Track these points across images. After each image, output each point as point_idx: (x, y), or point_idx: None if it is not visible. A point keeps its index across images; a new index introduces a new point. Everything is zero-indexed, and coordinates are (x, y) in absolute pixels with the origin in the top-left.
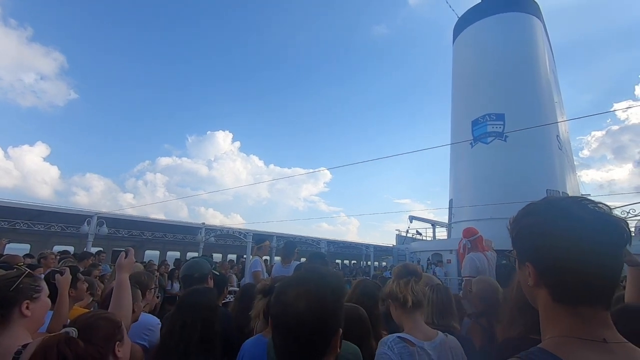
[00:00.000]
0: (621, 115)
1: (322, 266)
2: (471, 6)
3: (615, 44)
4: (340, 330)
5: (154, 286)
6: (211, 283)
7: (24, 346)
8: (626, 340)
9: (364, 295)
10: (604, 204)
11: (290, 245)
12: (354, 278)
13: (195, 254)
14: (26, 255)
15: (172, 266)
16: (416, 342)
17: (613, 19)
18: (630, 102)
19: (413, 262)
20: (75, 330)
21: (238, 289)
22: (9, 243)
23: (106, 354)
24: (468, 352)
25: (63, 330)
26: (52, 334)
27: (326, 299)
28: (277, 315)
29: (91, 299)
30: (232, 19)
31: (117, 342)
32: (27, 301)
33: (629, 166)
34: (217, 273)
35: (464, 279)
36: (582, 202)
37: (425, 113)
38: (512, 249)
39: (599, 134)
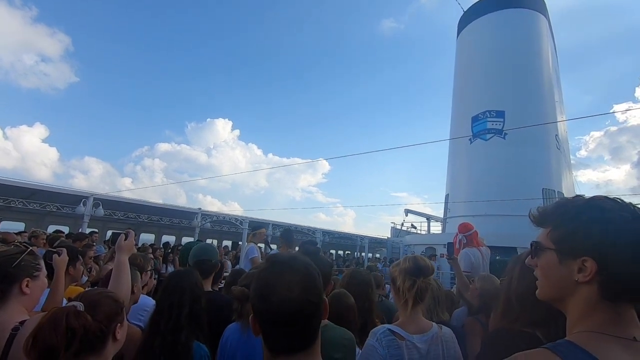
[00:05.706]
0: (620, 116)
1: (284, 253)
2: (476, 1)
3: (617, 47)
4: (325, 298)
5: (150, 268)
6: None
7: (22, 323)
8: None
9: (352, 284)
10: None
11: (289, 233)
12: (348, 267)
13: (191, 239)
14: (18, 233)
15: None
16: (406, 335)
17: (615, 22)
18: (630, 104)
19: (406, 254)
20: (82, 304)
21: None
22: (1, 221)
23: (107, 333)
24: (460, 342)
25: (70, 304)
26: (59, 307)
27: (314, 281)
28: (270, 311)
29: (86, 278)
30: (236, 7)
31: (118, 324)
32: (28, 279)
33: (625, 167)
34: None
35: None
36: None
37: (426, 108)
38: (553, 240)
39: (597, 134)
